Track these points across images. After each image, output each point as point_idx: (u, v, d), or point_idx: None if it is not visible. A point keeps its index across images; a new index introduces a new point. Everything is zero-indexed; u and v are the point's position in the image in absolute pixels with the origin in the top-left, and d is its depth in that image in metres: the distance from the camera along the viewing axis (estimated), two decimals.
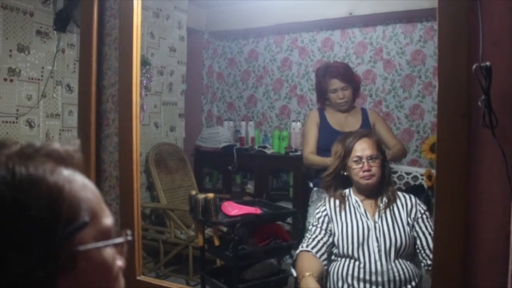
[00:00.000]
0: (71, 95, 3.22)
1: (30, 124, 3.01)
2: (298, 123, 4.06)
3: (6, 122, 2.86)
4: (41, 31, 3.04)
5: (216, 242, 2.33)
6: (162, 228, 3.39)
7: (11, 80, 2.88)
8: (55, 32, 3.11)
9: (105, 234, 0.64)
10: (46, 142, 0.64)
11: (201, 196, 2.30)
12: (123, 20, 1.79)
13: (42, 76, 3.07)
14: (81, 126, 1.93)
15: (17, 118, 2.93)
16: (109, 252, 0.64)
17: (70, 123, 3.24)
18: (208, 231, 2.57)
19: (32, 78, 3.01)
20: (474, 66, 1.20)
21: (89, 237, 0.61)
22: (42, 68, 3.07)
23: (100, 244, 0.62)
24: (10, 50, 2.87)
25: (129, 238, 0.69)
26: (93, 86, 1.88)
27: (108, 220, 0.65)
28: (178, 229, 3.27)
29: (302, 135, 3.36)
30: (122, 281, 0.68)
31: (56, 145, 0.64)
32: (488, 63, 1.19)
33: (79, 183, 0.62)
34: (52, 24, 3.09)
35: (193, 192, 2.42)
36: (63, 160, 0.63)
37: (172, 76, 3.98)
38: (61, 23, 3.07)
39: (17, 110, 2.92)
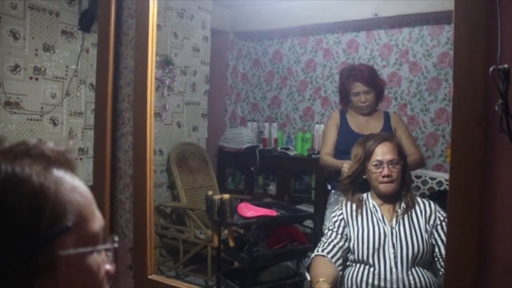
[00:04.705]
0: (94, 94, 3.26)
1: (54, 122, 3.06)
2: (322, 125, 4.01)
3: (31, 119, 2.92)
4: (66, 31, 3.10)
5: (231, 243, 2.32)
6: (182, 227, 3.40)
7: (36, 79, 2.94)
8: (79, 32, 3.17)
9: (91, 239, 0.62)
10: (40, 141, 0.63)
11: (217, 196, 2.30)
12: (139, 20, 1.80)
13: (66, 75, 3.12)
14: (97, 125, 1.95)
15: (41, 116, 2.98)
16: (95, 258, 0.62)
17: (92, 121, 3.27)
18: (225, 232, 2.56)
19: (57, 77, 3.07)
20: (491, 69, 1.15)
21: (72, 241, 0.59)
22: (67, 67, 3.12)
23: (84, 249, 0.60)
24: (36, 50, 2.93)
25: (116, 245, 0.67)
26: (110, 85, 1.90)
27: (96, 224, 0.63)
28: (198, 228, 3.28)
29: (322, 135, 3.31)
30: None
31: (50, 145, 0.63)
32: (506, 66, 1.13)
33: (68, 185, 0.61)
34: (77, 24, 3.15)
35: (210, 193, 2.42)
36: (55, 160, 0.62)
37: (195, 76, 4.00)
38: (86, 23, 3.12)
39: (42, 108, 2.98)
